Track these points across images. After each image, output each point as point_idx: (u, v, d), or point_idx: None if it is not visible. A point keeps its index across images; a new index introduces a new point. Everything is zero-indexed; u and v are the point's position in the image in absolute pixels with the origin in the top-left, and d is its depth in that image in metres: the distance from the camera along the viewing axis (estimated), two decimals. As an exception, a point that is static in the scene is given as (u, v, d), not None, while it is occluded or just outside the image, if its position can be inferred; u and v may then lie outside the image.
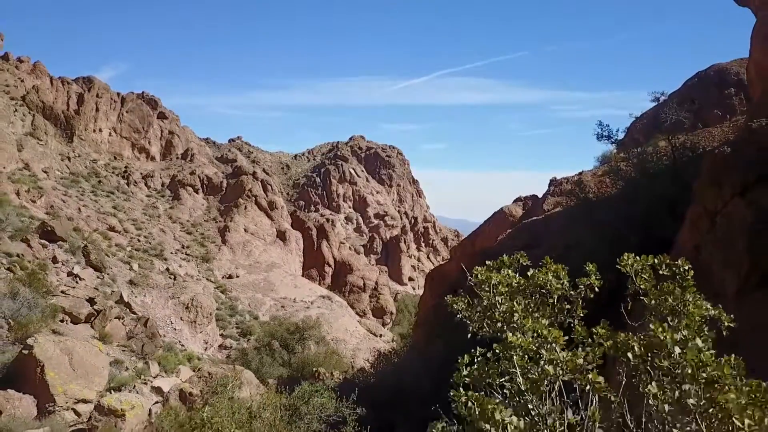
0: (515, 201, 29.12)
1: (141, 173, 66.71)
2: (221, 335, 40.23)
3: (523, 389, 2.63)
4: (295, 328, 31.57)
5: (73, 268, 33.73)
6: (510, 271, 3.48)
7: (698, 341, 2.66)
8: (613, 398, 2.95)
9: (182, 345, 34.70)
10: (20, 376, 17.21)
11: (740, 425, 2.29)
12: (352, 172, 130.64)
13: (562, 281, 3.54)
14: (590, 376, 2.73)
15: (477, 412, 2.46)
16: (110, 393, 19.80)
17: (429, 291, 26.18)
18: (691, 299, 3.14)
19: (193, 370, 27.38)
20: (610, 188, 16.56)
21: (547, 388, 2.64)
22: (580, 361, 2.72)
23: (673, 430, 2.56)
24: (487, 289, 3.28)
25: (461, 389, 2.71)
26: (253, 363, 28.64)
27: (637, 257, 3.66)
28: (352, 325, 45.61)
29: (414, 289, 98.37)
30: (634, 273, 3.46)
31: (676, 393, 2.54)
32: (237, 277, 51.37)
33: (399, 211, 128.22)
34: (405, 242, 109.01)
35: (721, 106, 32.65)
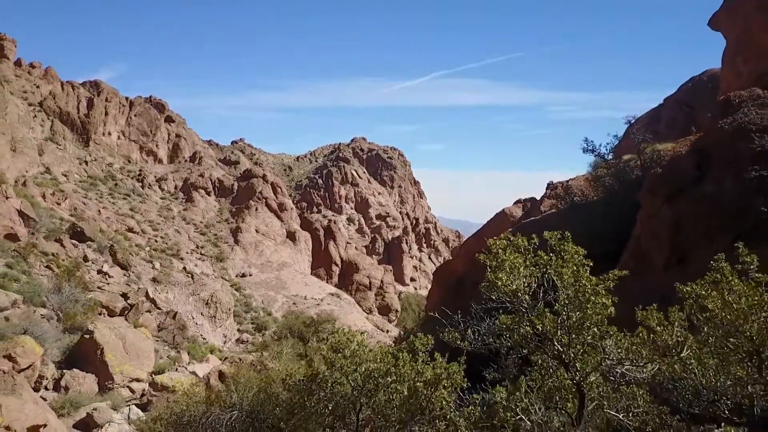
0: (515, 203, 31.65)
1: (155, 176, 69.12)
2: (238, 330, 42.62)
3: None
4: (311, 321, 33.93)
5: (102, 267, 36.09)
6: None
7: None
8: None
9: (204, 338, 37.04)
10: (82, 357, 19.59)
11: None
12: (354, 173, 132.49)
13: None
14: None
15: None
16: (152, 376, 22.18)
17: (437, 284, 28.56)
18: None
19: (220, 360, 29.82)
20: (594, 193, 19.15)
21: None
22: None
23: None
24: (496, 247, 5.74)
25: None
26: (273, 352, 31.12)
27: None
28: (360, 321, 47.98)
29: (416, 289, 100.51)
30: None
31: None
32: (250, 275, 53.77)
33: (400, 212, 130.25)
34: (407, 243, 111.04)
35: (713, 110, 34.55)
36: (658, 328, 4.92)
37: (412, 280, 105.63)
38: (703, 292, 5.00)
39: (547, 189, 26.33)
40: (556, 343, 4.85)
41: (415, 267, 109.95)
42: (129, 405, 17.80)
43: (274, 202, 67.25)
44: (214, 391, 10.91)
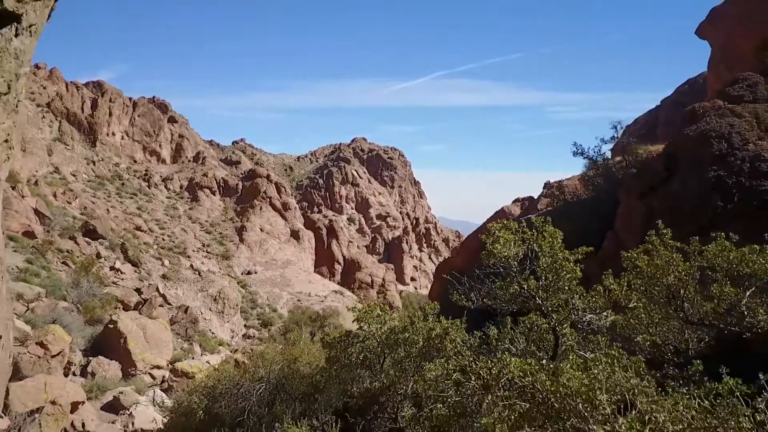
0: (514, 202, 33.06)
1: (160, 176, 70.39)
2: (245, 326, 43.88)
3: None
4: (317, 316, 35.20)
5: (114, 263, 37.33)
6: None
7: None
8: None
9: (212, 333, 38.28)
10: (107, 345, 20.83)
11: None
12: (355, 173, 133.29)
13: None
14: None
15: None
16: (171, 364, 23.43)
17: (438, 280, 29.80)
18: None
19: (231, 352, 31.10)
20: (584, 192, 20.59)
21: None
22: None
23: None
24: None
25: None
26: (280, 345, 32.52)
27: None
28: (362, 317, 49.24)
29: (416, 288, 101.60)
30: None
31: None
32: (255, 273, 55.06)
33: (401, 212, 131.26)
34: (407, 243, 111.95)
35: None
36: (612, 286, 6.29)
37: (413, 279, 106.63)
38: (635, 255, 6.37)
39: (544, 188, 27.63)
40: (537, 299, 6.19)
41: (415, 267, 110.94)
42: (153, 389, 19.04)
43: (278, 202, 68.59)
44: (243, 367, 12.16)
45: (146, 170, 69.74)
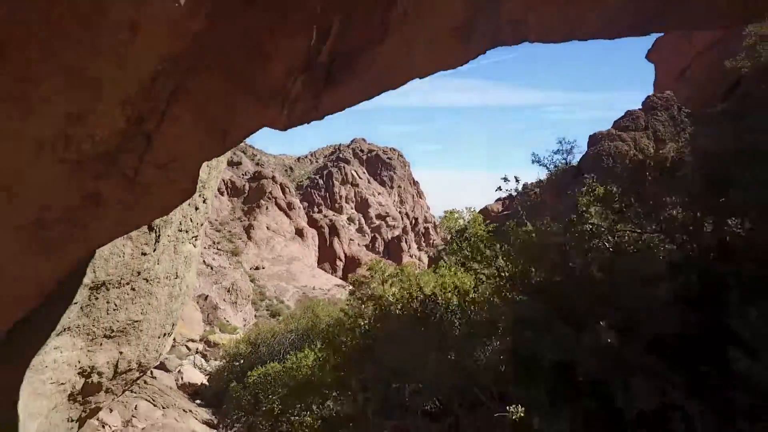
0: (496, 201, 37.23)
1: (171, 178, 74.31)
2: (255, 316, 47.87)
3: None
4: (323, 304, 39.10)
5: (139, 258, 41.24)
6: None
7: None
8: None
9: (227, 321, 42.22)
10: (150, 322, 24.80)
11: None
12: (354, 174, 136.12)
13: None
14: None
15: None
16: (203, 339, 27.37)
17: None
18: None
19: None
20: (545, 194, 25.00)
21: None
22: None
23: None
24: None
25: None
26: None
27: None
28: (363, 309, 53.26)
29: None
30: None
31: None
32: (263, 268, 59.07)
33: (400, 212, 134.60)
34: (406, 242, 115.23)
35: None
36: (505, 245, 10.38)
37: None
38: (510, 225, 10.48)
39: (522, 188, 31.70)
40: (466, 251, 10.23)
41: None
42: (193, 355, 22.99)
43: (283, 202, 72.70)
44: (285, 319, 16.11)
45: (158, 173, 73.60)
